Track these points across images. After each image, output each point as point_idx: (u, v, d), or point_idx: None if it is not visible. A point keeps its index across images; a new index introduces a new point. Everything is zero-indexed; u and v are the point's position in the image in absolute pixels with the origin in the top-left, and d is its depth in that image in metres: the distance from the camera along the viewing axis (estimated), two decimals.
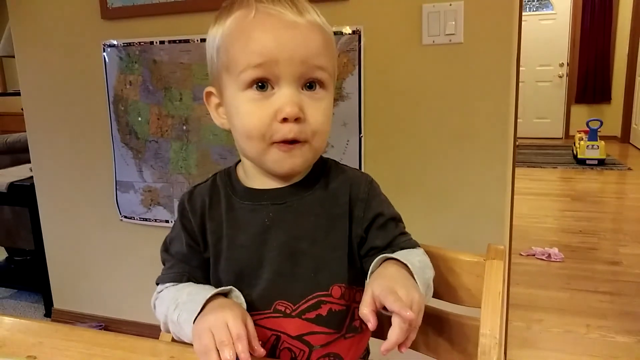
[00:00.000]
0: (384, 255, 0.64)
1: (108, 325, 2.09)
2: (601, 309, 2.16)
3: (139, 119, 1.89)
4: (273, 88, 0.61)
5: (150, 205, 1.95)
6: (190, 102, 1.81)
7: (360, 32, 1.52)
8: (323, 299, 0.66)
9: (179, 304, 0.63)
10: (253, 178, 0.69)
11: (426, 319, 0.75)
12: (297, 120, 0.61)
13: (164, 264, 0.72)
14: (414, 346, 0.80)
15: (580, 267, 2.60)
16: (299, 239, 0.66)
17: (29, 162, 2.15)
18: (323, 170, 0.70)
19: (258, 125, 0.61)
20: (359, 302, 0.63)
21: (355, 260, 0.69)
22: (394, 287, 0.54)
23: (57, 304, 2.22)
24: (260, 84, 0.61)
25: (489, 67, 1.43)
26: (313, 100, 0.63)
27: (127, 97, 1.88)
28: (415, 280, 0.59)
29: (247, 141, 0.64)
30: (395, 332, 0.51)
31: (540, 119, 6.56)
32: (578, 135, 5.13)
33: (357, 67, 1.55)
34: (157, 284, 0.71)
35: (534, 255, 2.75)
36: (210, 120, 1.94)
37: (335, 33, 1.54)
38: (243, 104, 0.62)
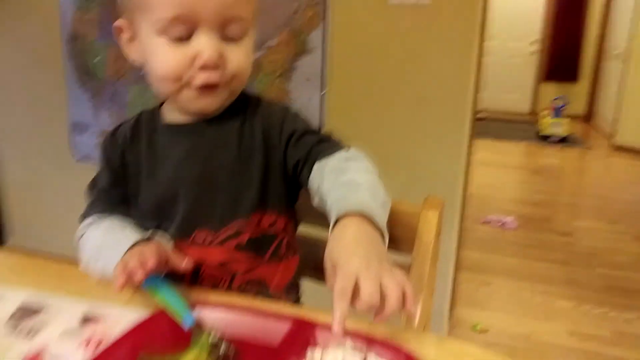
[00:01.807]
0: (335, 215, 0.54)
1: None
2: (547, 276, 2.25)
3: (96, 59, 1.81)
4: (190, 36, 0.60)
5: None
6: None
7: None
8: (243, 227, 0.67)
9: (102, 255, 0.64)
10: (172, 113, 0.69)
11: None
12: (215, 66, 0.60)
13: (88, 201, 0.73)
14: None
15: (532, 236, 2.69)
16: (216, 170, 0.67)
17: None
18: (244, 105, 0.69)
19: (175, 70, 0.60)
20: (284, 230, 0.69)
21: (278, 187, 0.69)
22: (359, 279, 0.44)
23: (12, 241, 2.16)
24: (178, 34, 0.59)
25: (452, 32, 1.42)
26: (232, 46, 0.62)
27: (84, 35, 1.79)
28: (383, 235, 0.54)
29: (162, 83, 0.63)
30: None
31: (508, 93, 6.63)
32: (543, 112, 5.22)
33: (322, 22, 1.51)
34: (82, 219, 0.71)
35: (489, 222, 2.83)
36: None
37: None
38: (159, 48, 0.60)
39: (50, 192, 2.05)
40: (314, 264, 0.76)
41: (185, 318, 0.51)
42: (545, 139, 4.98)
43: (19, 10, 1.85)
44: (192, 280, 0.67)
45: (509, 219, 2.83)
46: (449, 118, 1.50)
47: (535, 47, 6.44)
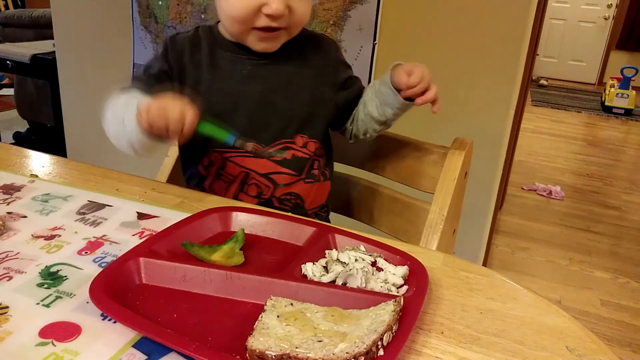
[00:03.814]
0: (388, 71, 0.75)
1: None
2: (587, 246, 2.22)
3: (160, 2, 1.89)
4: None
5: None
6: None
7: None
8: (288, 145, 0.75)
9: (130, 104, 0.65)
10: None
11: (386, 200, 0.82)
12: (281, 16, 0.66)
13: (133, 79, 0.78)
14: (370, 221, 0.88)
15: (578, 207, 2.64)
16: (272, 91, 0.74)
17: (52, 38, 2.19)
18: (300, 37, 0.76)
19: (243, 14, 0.67)
20: (319, 155, 0.77)
21: (322, 115, 0.79)
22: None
23: None
24: None
25: None
26: None
27: None
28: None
29: (229, 21, 0.70)
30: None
31: (575, 61, 6.29)
32: (610, 82, 4.95)
33: None
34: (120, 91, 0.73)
35: (535, 190, 2.79)
36: None
37: None
38: None
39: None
40: (340, 198, 0.83)
41: (228, 138, 0.64)
42: (608, 110, 4.75)
43: None
44: (241, 184, 0.75)
45: (556, 188, 2.78)
46: (498, 80, 1.49)
47: (611, 12, 6.03)
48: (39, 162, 0.78)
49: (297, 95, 0.76)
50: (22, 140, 2.83)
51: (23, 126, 2.90)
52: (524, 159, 3.25)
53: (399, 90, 0.72)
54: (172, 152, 0.88)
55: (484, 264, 1.79)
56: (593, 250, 2.19)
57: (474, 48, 1.49)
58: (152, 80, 0.73)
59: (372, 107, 0.78)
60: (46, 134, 2.81)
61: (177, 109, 0.59)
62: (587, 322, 1.71)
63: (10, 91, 3.29)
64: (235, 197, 0.76)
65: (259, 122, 0.74)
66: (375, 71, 1.63)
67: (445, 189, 0.72)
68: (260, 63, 0.74)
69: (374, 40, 1.62)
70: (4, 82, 3.70)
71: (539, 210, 2.57)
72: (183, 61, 0.75)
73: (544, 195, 2.74)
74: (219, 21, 0.77)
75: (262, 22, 0.67)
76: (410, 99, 0.72)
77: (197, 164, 0.78)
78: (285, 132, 0.75)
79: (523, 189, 2.80)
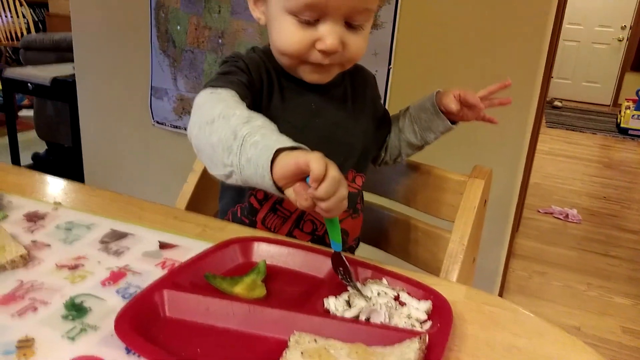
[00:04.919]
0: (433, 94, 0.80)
1: None
2: (606, 271, 2.18)
3: (178, 27, 1.93)
4: (318, 21, 0.64)
5: (182, 113, 2.03)
6: (228, 16, 1.83)
7: None
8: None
9: (254, 126, 0.54)
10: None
11: (405, 229, 0.82)
12: (335, 52, 0.65)
13: (222, 75, 0.67)
14: (389, 249, 0.87)
15: (595, 231, 2.60)
16: (336, 126, 0.74)
17: (73, 61, 2.24)
18: (354, 68, 0.77)
19: (296, 48, 0.65)
20: (359, 188, 0.77)
21: (369, 151, 0.81)
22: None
23: None
24: (306, 18, 0.63)
25: (526, 13, 1.40)
26: (353, 33, 0.66)
27: (168, 4, 1.92)
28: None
29: (281, 55, 0.69)
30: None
31: (590, 82, 6.28)
32: (625, 104, 4.92)
33: None
34: (211, 86, 0.64)
35: (552, 213, 2.76)
36: (244, 35, 1.96)
37: None
38: (286, 25, 0.65)
39: (126, 151, 2.22)
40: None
41: (335, 243, 0.55)
42: (624, 132, 4.72)
43: None
44: (297, 220, 0.75)
45: (572, 211, 2.75)
46: (514, 103, 1.48)
47: (624, 34, 6.02)
48: (62, 189, 0.79)
49: (355, 129, 0.76)
50: (41, 161, 2.88)
51: (41, 147, 2.95)
52: (540, 182, 3.23)
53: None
54: (191, 179, 0.89)
55: (501, 289, 1.76)
56: (612, 275, 2.15)
57: (489, 72, 1.50)
58: (243, 88, 0.66)
59: (409, 133, 0.81)
60: (64, 155, 2.86)
61: (345, 193, 0.50)
62: (609, 351, 1.67)
63: (29, 112, 3.36)
64: (290, 234, 0.75)
65: None
66: (390, 95, 1.64)
67: (465, 218, 0.72)
68: (323, 97, 0.74)
69: (389, 64, 1.63)
70: (23, 103, 3.77)
71: (555, 234, 2.54)
72: (261, 80, 0.70)
73: (560, 219, 2.71)
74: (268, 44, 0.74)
75: (315, 57, 0.65)
76: (454, 122, 0.78)
77: (249, 196, 0.75)
78: (343, 167, 0.73)
79: (539, 212, 2.77)
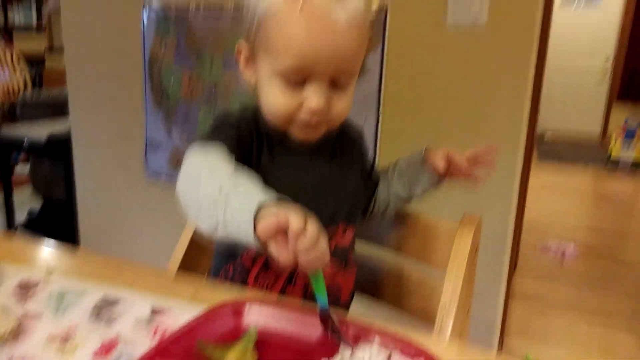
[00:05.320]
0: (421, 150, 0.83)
1: None
2: (609, 308, 2.16)
3: (172, 80, 1.98)
4: (304, 82, 0.67)
5: (177, 165, 2.05)
6: (221, 68, 1.88)
7: (386, 8, 1.55)
8: (332, 233, 0.76)
9: (239, 182, 0.56)
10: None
11: (398, 278, 0.82)
12: (322, 113, 0.68)
13: (213, 130, 0.71)
14: (384, 299, 0.87)
15: (594, 265, 2.60)
16: (325, 181, 0.76)
17: (68, 115, 2.27)
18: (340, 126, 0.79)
19: (284, 109, 0.69)
20: (350, 241, 0.78)
21: (359, 204, 0.83)
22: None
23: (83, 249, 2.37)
24: (293, 80, 0.67)
25: (509, 52, 1.45)
26: (339, 93, 0.69)
27: (162, 59, 1.97)
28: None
29: (271, 115, 0.72)
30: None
31: (578, 113, 6.38)
32: (615, 134, 4.99)
33: (380, 44, 1.58)
34: (203, 141, 0.67)
35: (549, 250, 2.75)
36: (237, 87, 1.99)
37: None
38: (274, 87, 0.68)
39: (121, 204, 2.22)
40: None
41: (320, 298, 0.55)
42: (615, 163, 4.76)
43: (108, 34, 2.06)
44: (289, 277, 0.75)
45: (570, 246, 2.75)
46: (503, 140, 1.52)
47: (608, 65, 6.17)
48: (54, 254, 0.79)
49: (344, 183, 0.78)
50: (36, 218, 2.88)
51: (37, 202, 2.95)
52: (535, 217, 3.23)
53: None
54: (184, 237, 0.90)
55: (502, 332, 1.74)
56: (614, 312, 2.13)
57: (475, 111, 1.53)
58: (232, 144, 0.68)
59: (397, 186, 0.83)
60: (60, 210, 2.85)
61: (326, 247, 0.50)
62: None
63: (25, 168, 3.38)
64: (283, 291, 0.75)
65: (311, 212, 0.74)
66: (381, 138, 1.67)
67: (456, 269, 0.72)
68: (313, 154, 0.76)
69: (378, 109, 1.67)
70: (20, 158, 3.80)
71: (554, 271, 2.53)
72: (251, 137, 0.73)
73: (558, 255, 2.70)
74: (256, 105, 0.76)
75: (303, 117, 0.68)
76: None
77: (241, 254, 0.75)
78: (334, 220, 0.76)
79: (536, 248, 2.77)
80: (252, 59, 0.72)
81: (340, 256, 0.77)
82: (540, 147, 5.44)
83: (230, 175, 0.57)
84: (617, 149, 4.76)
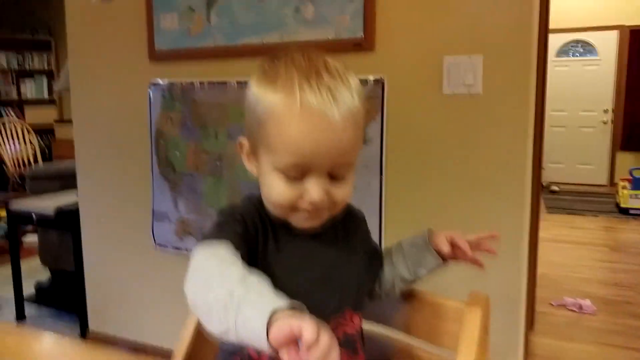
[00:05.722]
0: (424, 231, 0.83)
1: (139, 349, 2.18)
2: None
3: (177, 153, 2.02)
4: (304, 176, 0.69)
5: (183, 235, 2.06)
6: (225, 140, 1.92)
7: (383, 80, 1.60)
8: (340, 321, 0.75)
9: (250, 286, 0.56)
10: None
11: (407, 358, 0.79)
12: (322, 203, 0.69)
13: (219, 226, 0.71)
14: None
15: (612, 321, 2.51)
16: (330, 267, 0.76)
17: (77, 187, 2.31)
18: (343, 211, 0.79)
19: (285, 201, 0.70)
20: (358, 328, 0.76)
21: (365, 289, 0.83)
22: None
23: (93, 326, 2.33)
24: (293, 175, 0.68)
25: (506, 118, 1.48)
26: (338, 184, 0.70)
27: (167, 132, 2.02)
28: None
29: (273, 207, 0.73)
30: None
31: (583, 164, 6.40)
32: (621, 184, 4.98)
33: (379, 113, 1.62)
34: (209, 238, 0.67)
35: (565, 305, 2.68)
36: (241, 158, 2.03)
37: (360, 81, 1.62)
38: (275, 181, 0.70)
39: (129, 275, 2.21)
40: None
41: None
42: (625, 212, 4.72)
43: (115, 109, 2.13)
44: None
45: (586, 301, 2.67)
46: (507, 198, 1.52)
47: (608, 116, 6.25)
48: (58, 347, 0.78)
49: (349, 269, 0.78)
50: (43, 290, 2.86)
51: (45, 273, 2.94)
52: (548, 272, 3.17)
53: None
54: (190, 323, 0.88)
55: None
56: None
57: (477, 174, 1.55)
58: (238, 239, 0.68)
59: (402, 268, 0.82)
60: (68, 281, 2.84)
61: (337, 355, 0.49)
62: None
63: (33, 237, 3.40)
64: None
65: (318, 300, 0.73)
66: (385, 202, 1.67)
67: (466, 351, 0.70)
68: (316, 241, 0.76)
69: (380, 175, 1.68)
70: (27, 228, 3.82)
71: (572, 328, 2.45)
72: (256, 229, 0.73)
73: (574, 311, 2.63)
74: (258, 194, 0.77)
75: (304, 208, 0.69)
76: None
77: (247, 346, 0.73)
78: (341, 307, 0.75)
79: (552, 304, 2.70)
80: (253, 153, 0.74)
81: (349, 345, 0.75)
82: (548, 199, 5.42)
83: (241, 278, 0.57)
84: (625, 198, 4.74)
